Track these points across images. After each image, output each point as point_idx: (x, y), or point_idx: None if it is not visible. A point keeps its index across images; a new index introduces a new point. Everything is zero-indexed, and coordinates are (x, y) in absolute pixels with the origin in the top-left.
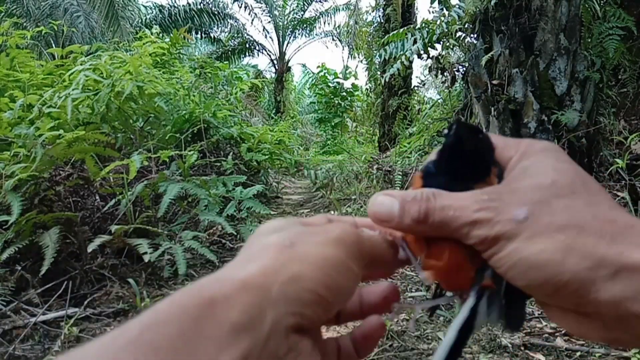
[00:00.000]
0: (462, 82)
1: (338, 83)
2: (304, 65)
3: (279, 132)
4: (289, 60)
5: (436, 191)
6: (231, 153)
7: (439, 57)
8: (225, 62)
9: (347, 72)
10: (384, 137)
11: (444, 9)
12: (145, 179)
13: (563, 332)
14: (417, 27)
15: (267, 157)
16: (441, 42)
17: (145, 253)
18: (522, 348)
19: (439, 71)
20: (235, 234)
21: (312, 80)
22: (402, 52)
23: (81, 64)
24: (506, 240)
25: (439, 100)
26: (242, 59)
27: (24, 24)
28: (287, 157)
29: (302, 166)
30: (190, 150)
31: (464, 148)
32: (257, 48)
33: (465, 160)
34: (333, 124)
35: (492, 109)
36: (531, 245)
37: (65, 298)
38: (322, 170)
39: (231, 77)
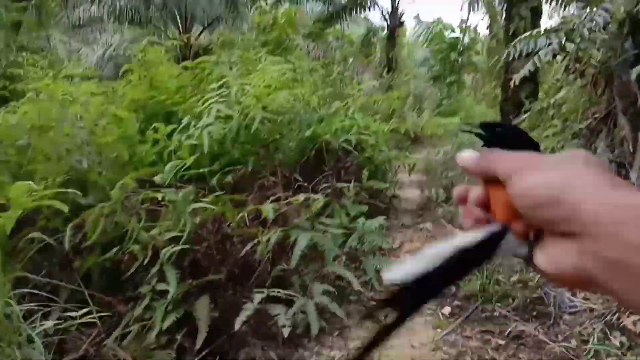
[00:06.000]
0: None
1: (455, 38)
2: (417, 18)
3: (394, 100)
4: (402, 15)
5: None
6: (353, 180)
7: (578, 56)
8: (336, 21)
9: (466, 25)
10: (507, 100)
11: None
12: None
13: None
14: (552, 29)
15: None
16: (580, 40)
17: (284, 326)
18: None
19: (578, 74)
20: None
21: (427, 34)
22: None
23: (212, 90)
24: None
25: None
26: (353, 16)
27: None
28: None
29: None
30: (315, 192)
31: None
32: (368, 4)
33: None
34: (449, 81)
35: None
36: None
37: None
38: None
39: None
